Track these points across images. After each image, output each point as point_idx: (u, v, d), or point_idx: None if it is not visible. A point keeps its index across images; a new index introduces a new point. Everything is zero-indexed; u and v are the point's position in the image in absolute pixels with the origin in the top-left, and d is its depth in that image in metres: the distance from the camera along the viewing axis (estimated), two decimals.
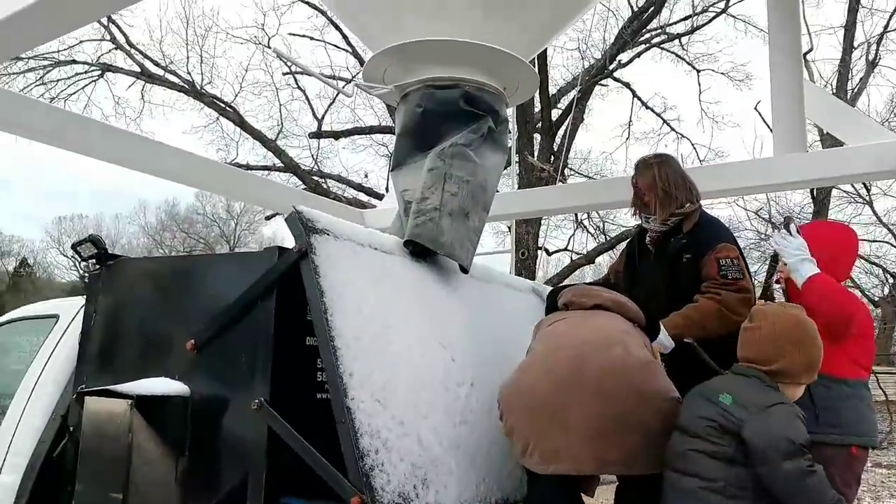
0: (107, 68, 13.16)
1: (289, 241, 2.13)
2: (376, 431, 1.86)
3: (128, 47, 13.03)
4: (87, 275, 2.66)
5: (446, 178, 2.81)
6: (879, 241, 17.33)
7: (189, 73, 13.36)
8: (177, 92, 13.39)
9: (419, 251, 2.54)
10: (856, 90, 14.11)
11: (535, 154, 12.66)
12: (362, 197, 13.20)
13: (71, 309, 3.03)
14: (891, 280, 17.04)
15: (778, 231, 2.63)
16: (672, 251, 2.85)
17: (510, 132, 3.46)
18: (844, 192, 15.89)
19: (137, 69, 13.07)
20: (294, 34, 14.36)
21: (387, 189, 14.29)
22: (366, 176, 14.32)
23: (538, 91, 11.11)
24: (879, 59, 14.04)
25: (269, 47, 13.94)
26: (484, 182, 2.89)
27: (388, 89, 3.10)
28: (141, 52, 13.16)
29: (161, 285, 2.44)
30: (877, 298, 17.59)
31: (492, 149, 2.96)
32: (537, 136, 13.23)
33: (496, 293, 3.00)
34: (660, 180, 2.95)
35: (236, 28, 14.99)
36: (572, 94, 12.99)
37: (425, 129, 2.99)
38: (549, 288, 2.91)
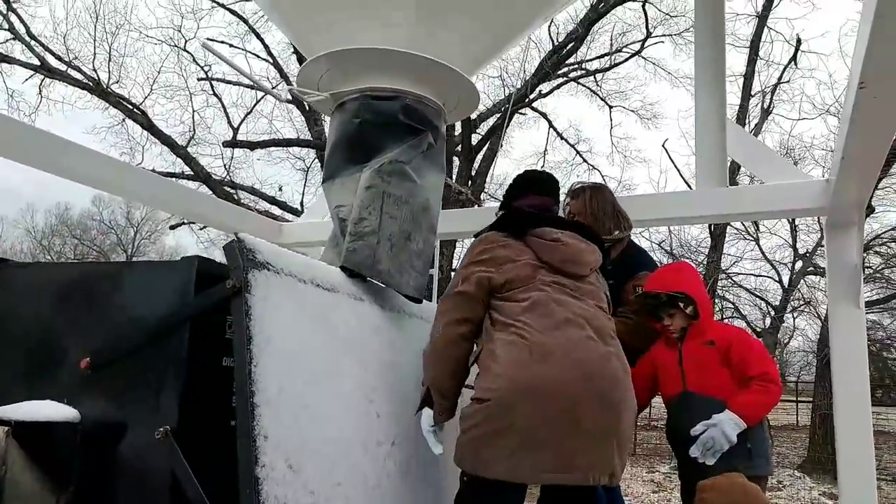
0: (2, 59, 12.15)
1: (192, 252, 1.92)
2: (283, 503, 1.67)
3: (27, 38, 12.09)
4: None
5: (385, 198, 2.68)
6: (765, 276, 18.70)
7: (95, 71, 12.56)
8: (80, 89, 12.53)
9: (356, 275, 2.40)
10: (753, 134, 15.13)
11: (454, 177, 12.74)
12: (275, 210, 12.76)
13: None
14: (772, 312, 18.34)
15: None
16: None
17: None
18: (735, 228, 17.02)
19: (37, 62, 12.15)
20: (213, 40, 13.85)
21: (302, 204, 13.94)
22: (280, 189, 13.95)
23: None
24: (773, 107, 15.14)
25: (186, 50, 13.37)
26: (426, 202, 2.78)
27: (322, 97, 2.95)
28: (42, 45, 12.26)
29: (53, 295, 2.15)
30: (759, 329, 18.92)
31: (431, 166, 2.87)
32: (456, 160, 13.32)
33: None
34: (590, 206, 3.03)
35: (150, 28, 14.23)
36: (492, 120, 13.22)
37: (361, 140, 2.85)
38: None
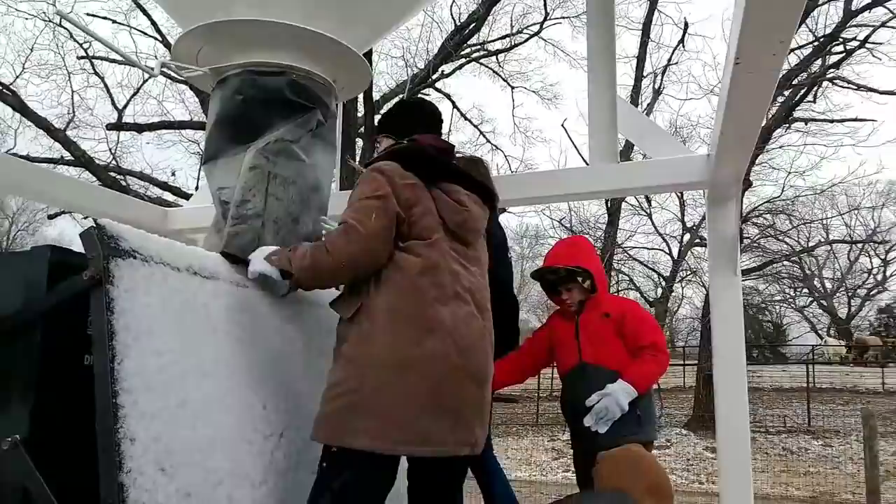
0: None
1: (76, 243, 1.73)
2: None
3: None
4: None
5: (270, 179, 2.53)
6: (656, 249, 19.78)
7: None
8: None
9: (239, 261, 2.24)
10: (645, 113, 15.82)
11: (357, 159, 12.53)
12: (168, 196, 12.11)
13: None
14: (663, 283, 19.46)
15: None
16: None
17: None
18: (630, 204, 17.88)
19: None
20: (93, 15, 12.87)
21: (196, 188, 13.27)
22: (173, 174, 13.25)
23: (362, 95, 11.00)
24: (663, 88, 15.86)
25: (63, 26, 12.34)
26: (316, 182, 2.66)
27: (201, 72, 2.74)
28: None
29: None
30: (651, 299, 20.06)
31: (322, 145, 2.74)
32: (360, 141, 13.10)
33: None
34: None
35: (20, 1, 13.01)
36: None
37: (245, 118, 2.68)
38: None
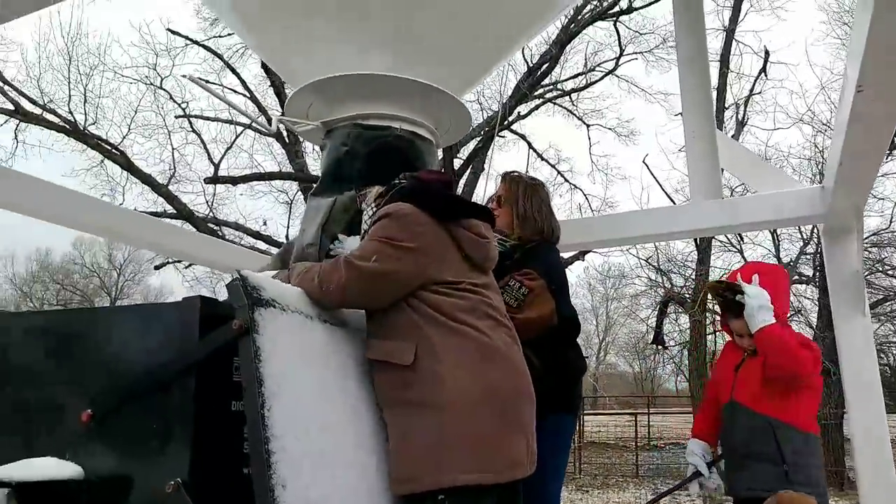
0: None
1: (178, 292, 1.85)
2: None
3: (0, 83, 11.98)
4: None
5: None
6: None
7: (71, 113, 12.45)
8: (56, 132, 12.41)
9: None
10: None
11: None
12: (261, 245, 12.66)
13: None
14: None
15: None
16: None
17: None
18: (720, 241, 17.17)
19: (11, 107, 12.02)
20: (186, 76, 13.83)
21: (287, 237, 13.82)
22: (264, 223, 13.84)
23: None
24: (747, 119, 15.39)
25: (163, 88, 13.33)
26: None
27: (311, 126, 2.92)
28: (16, 89, 12.14)
29: (47, 344, 2.06)
30: None
31: None
32: None
33: None
34: (522, 200, 2.82)
35: (125, 67, 14.15)
36: (472, 143, 13.28)
37: (347, 168, 2.83)
38: None
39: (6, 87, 11.95)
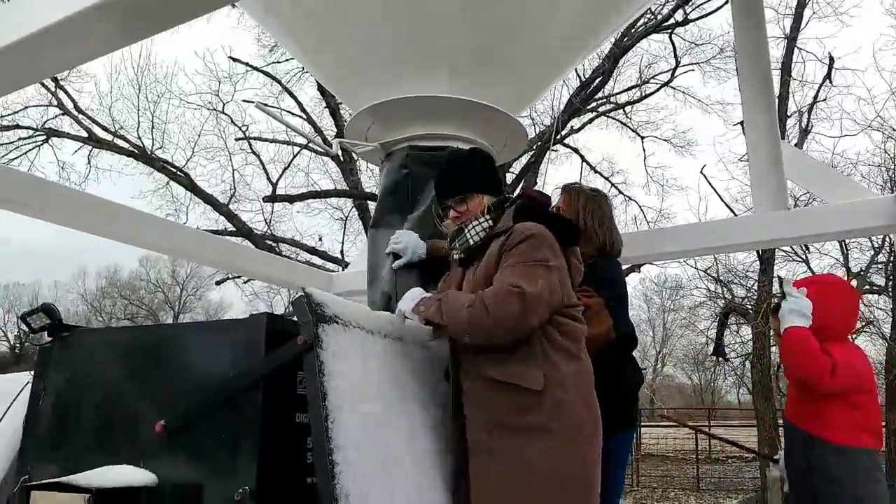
0: (52, 133, 12.76)
1: (237, 306, 1.92)
2: None
3: (75, 112, 12.69)
4: (37, 348, 2.37)
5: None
6: None
7: (139, 138, 13.06)
8: (126, 156, 13.04)
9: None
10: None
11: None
12: (316, 261, 12.92)
13: (13, 386, 2.69)
14: None
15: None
16: None
17: None
18: (783, 251, 16.55)
19: (85, 134, 12.71)
20: (248, 101, 14.33)
21: (342, 252, 14.10)
22: (320, 239, 14.16)
23: None
24: (811, 126, 14.86)
25: (225, 113, 13.84)
26: None
27: (371, 147, 2.99)
28: (89, 118, 12.83)
29: (124, 359, 2.17)
30: None
31: None
32: None
33: None
34: (583, 212, 2.76)
35: (190, 94, 14.79)
36: (525, 158, 13.27)
37: (407, 190, 2.89)
38: None
39: (80, 116, 12.65)
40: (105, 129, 12.98)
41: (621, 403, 2.54)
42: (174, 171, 13.22)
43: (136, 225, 3.46)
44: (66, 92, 12.67)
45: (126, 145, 12.92)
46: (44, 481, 1.97)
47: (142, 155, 12.86)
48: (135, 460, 1.97)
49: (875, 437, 2.54)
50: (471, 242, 2.16)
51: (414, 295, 2.14)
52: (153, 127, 13.32)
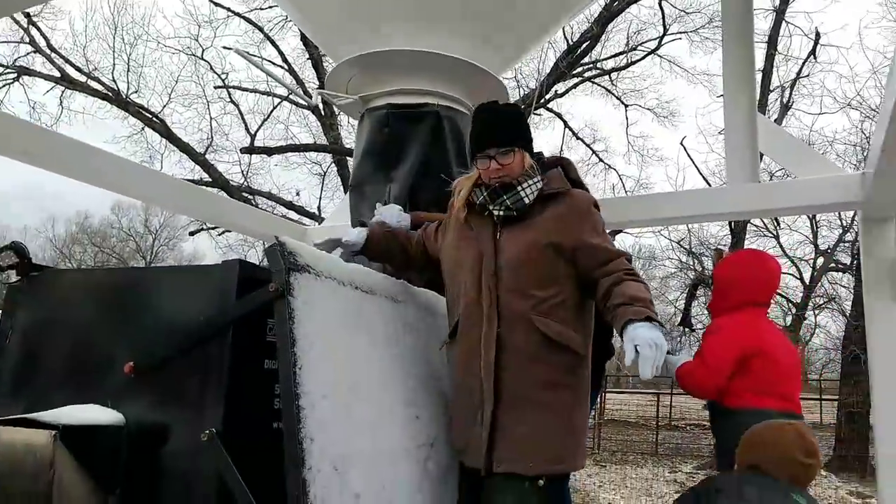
0: (24, 71, 12.36)
1: (211, 258, 1.93)
2: None
3: (48, 51, 12.28)
4: (5, 287, 2.35)
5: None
6: (786, 274, 18.47)
7: (114, 81, 12.72)
8: (100, 99, 12.69)
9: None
10: None
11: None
12: (293, 216, 12.83)
13: None
14: (794, 310, 18.15)
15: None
16: None
17: None
18: (755, 226, 16.85)
19: (57, 73, 12.32)
20: (228, 48, 13.98)
21: (319, 209, 14.00)
22: (297, 194, 14.04)
23: None
24: (792, 102, 14.96)
25: (204, 59, 13.50)
26: None
27: (351, 100, 2.96)
28: (62, 57, 12.44)
29: (94, 301, 2.16)
30: (780, 327, 18.70)
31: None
32: None
33: None
34: None
35: (168, 38, 14.40)
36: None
37: (389, 150, 2.88)
38: None
39: (53, 55, 12.25)
40: (78, 69, 12.62)
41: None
42: (150, 116, 12.93)
43: (110, 168, 3.38)
44: (38, 29, 12.26)
45: (100, 87, 12.58)
46: (9, 417, 1.99)
47: (116, 98, 12.54)
48: (103, 400, 1.98)
49: (780, 399, 2.62)
50: (526, 201, 2.13)
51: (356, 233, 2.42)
52: (129, 70, 12.99)
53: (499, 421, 1.99)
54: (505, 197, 2.13)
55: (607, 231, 2.29)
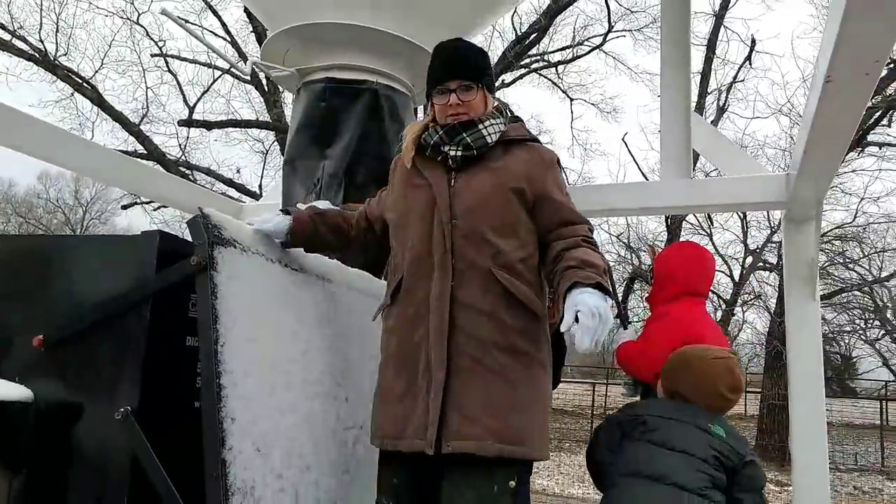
0: None
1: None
2: (250, 488, 1.61)
3: None
4: None
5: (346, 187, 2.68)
6: (717, 271, 19.21)
7: (41, 41, 12.01)
8: (24, 60, 11.97)
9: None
10: None
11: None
12: (232, 193, 12.49)
13: None
14: (723, 305, 18.95)
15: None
16: None
17: None
18: (690, 224, 17.47)
19: None
20: (165, 14, 13.39)
21: (260, 187, 13.66)
22: (238, 171, 13.67)
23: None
24: (728, 105, 15.50)
25: (140, 24, 12.91)
26: None
27: (287, 72, 2.88)
28: None
29: (4, 268, 2.04)
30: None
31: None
32: None
33: None
34: None
35: None
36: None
37: (325, 125, 2.81)
38: None
39: None
40: (2, 26, 11.84)
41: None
42: (80, 81, 12.29)
43: (37, 135, 3.19)
44: None
45: (25, 47, 11.86)
46: None
47: (43, 60, 11.86)
48: (10, 374, 1.88)
49: None
50: (488, 140, 1.90)
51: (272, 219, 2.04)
52: (58, 30, 12.30)
53: (451, 390, 1.71)
54: (465, 134, 1.89)
55: None
